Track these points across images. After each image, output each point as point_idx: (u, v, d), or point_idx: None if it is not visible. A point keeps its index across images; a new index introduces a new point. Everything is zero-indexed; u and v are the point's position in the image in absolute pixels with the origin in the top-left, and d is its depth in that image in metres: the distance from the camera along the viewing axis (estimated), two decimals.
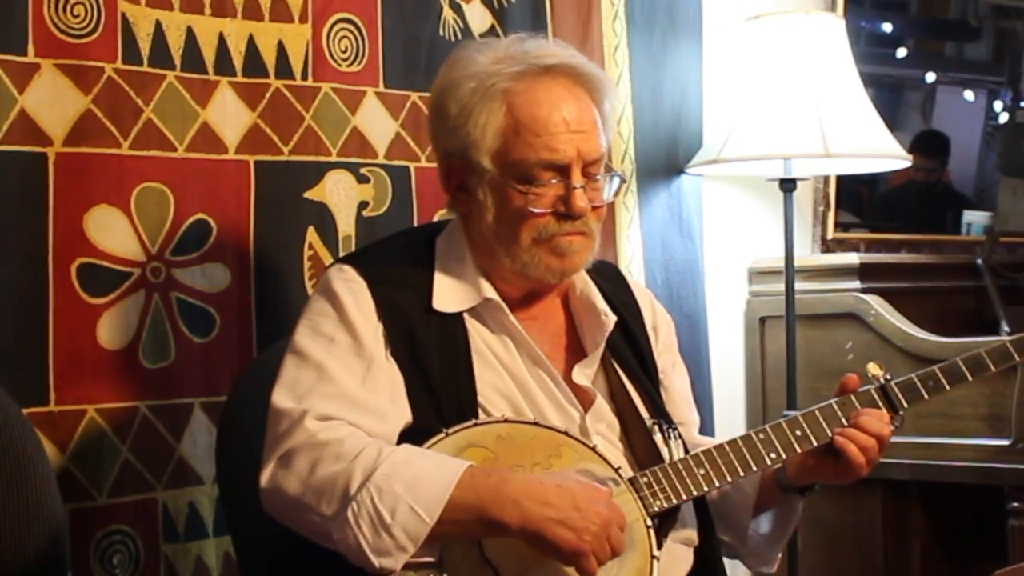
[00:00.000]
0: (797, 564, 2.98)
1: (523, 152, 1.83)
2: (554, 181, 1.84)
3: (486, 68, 1.87)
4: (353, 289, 1.84)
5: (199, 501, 2.33)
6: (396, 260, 1.91)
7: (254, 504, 1.79)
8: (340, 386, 1.77)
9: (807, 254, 3.48)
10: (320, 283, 1.90)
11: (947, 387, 1.95)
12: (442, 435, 1.74)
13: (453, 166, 1.91)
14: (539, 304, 1.95)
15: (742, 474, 1.86)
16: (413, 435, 1.76)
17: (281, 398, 1.77)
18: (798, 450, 1.89)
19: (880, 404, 1.92)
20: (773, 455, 1.88)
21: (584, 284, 1.97)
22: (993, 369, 1.97)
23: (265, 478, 1.73)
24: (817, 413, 1.91)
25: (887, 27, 3.96)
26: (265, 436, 1.77)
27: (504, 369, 1.87)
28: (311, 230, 2.49)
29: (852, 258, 3.28)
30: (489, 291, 1.88)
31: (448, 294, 1.88)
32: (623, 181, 1.96)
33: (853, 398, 1.93)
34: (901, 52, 4.03)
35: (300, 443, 1.71)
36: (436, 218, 2.63)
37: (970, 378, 1.96)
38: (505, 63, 1.87)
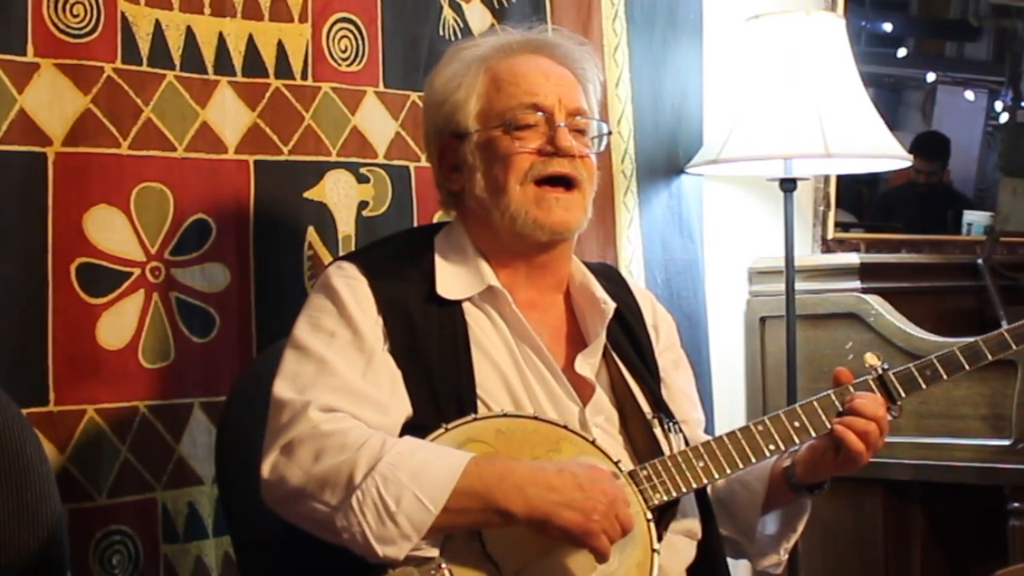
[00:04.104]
0: (797, 564, 2.98)
1: (505, 101, 1.90)
2: (538, 123, 1.88)
3: (469, 51, 1.95)
4: (352, 285, 1.85)
5: (199, 501, 2.32)
6: (396, 255, 1.93)
7: (254, 504, 1.79)
8: (342, 379, 1.77)
9: (807, 254, 3.47)
10: (319, 280, 1.90)
11: (945, 376, 1.95)
12: (441, 430, 1.74)
13: (444, 145, 1.95)
14: (541, 296, 1.95)
15: (741, 466, 1.87)
16: (413, 429, 1.76)
17: (283, 389, 1.77)
18: (796, 441, 1.90)
19: (878, 393, 1.93)
20: (772, 447, 1.88)
21: (583, 276, 1.98)
22: (990, 358, 1.97)
23: (267, 468, 1.72)
24: (815, 404, 1.91)
25: (887, 27, 3.96)
26: (266, 427, 1.77)
27: (503, 361, 1.87)
28: (311, 230, 2.48)
29: (852, 258, 3.27)
30: (492, 278, 1.89)
31: (451, 281, 1.89)
32: (609, 133, 2.00)
33: (851, 388, 1.93)
34: (901, 52, 4.03)
35: (303, 433, 1.70)
36: (436, 219, 2.63)
37: (967, 367, 1.96)
38: (485, 42, 1.96)
